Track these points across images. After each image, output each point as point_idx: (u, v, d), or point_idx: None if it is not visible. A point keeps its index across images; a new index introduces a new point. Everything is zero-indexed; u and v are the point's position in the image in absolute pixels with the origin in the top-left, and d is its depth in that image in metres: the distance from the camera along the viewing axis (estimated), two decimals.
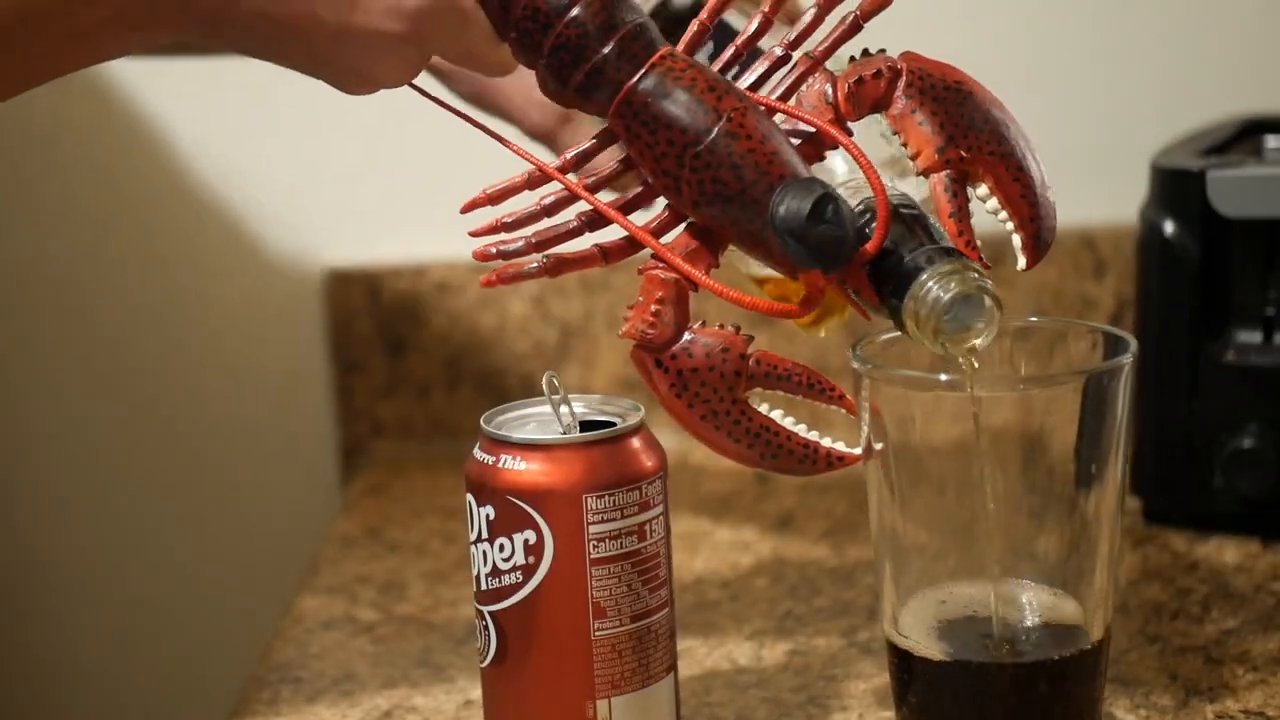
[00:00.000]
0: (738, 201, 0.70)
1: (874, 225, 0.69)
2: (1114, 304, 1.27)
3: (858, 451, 0.74)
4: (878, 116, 0.73)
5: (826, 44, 0.73)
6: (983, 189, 0.72)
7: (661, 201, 0.74)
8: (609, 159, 0.75)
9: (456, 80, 0.95)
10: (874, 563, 0.78)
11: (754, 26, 0.74)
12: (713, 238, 0.72)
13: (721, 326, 0.71)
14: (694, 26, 0.74)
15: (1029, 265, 0.72)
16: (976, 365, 0.72)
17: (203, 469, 1.32)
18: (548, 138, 0.96)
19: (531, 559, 0.74)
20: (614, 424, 0.76)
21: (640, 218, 0.73)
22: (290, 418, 1.31)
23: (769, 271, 0.83)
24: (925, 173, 0.72)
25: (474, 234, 0.72)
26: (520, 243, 0.73)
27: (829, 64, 0.73)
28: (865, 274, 0.70)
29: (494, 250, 0.72)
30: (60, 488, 1.32)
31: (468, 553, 0.77)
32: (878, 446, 0.74)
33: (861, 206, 0.71)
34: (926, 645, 0.75)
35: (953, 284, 0.69)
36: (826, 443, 0.73)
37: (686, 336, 0.71)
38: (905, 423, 0.75)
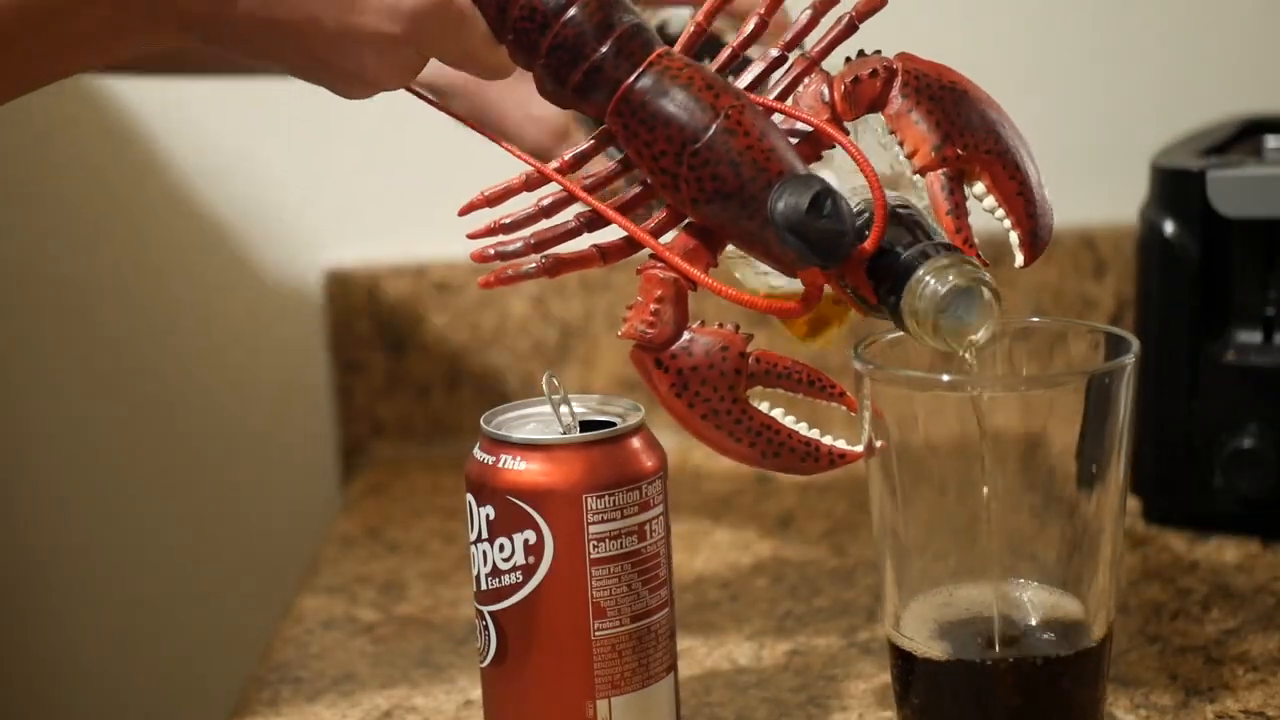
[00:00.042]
0: (736, 198, 0.70)
1: (872, 224, 0.69)
2: (1114, 304, 1.27)
3: (859, 449, 0.74)
4: (875, 128, 0.73)
5: (822, 45, 0.73)
6: (979, 187, 0.72)
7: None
8: (606, 160, 0.75)
9: (453, 99, 0.95)
10: (875, 563, 0.78)
11: (750, 28, 0.74)
12: (711, 237, 0.72)
13: (721, 325, 0.71)
14: (690, 27, 0.74)
15: (1027, 262, 0.72)
16: (974, 361, 0.72)
17: (203, 469, 1.32)
18: (545, 156, 0.96)
19: (531, 559, 0.74)
20: (614, 424, 0.76)
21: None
22: (290, 418, 1.31)
23: (774, 281, 0.83)
24: (922, 171, 0.72)
25: (472, 236, 0.73)
26: (519, 244, 0.73)
27: (823, 65, 0.73)
28: (864, 271, 0.70)
29: (492, 251, 0.72)
30: (60, 488, 1.32)
31: (468, 553, 0.77)
32: (879, 444, 0.74)
33: (860, 207, 0.71)
34: (928, 646, 0.75)
35: (950, 277, 0.69)
36: (828, 441, 0.73)
37: (686, 336, 0.71)
38: (907, 423, 0.75)
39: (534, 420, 0.78)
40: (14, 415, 1.31)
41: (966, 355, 0.71)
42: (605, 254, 0.73)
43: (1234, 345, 1.01)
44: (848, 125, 0.73)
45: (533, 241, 0.73)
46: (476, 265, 0.72)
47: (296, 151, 1.28)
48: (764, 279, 0.84)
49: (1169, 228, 1.01)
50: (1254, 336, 1.00)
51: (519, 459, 0.75)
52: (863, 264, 0.70)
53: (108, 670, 1.34)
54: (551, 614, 0.75)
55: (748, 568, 1.02)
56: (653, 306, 0.70)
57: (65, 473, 1.32)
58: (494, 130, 0.94)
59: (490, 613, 0.76)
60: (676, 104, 0.71)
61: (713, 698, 0.86)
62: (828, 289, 0.72)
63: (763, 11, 0.74)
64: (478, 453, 0.76)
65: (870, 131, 0.74)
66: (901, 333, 0.72)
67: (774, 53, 0.74)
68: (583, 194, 0.73)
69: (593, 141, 0.74)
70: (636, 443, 0.76)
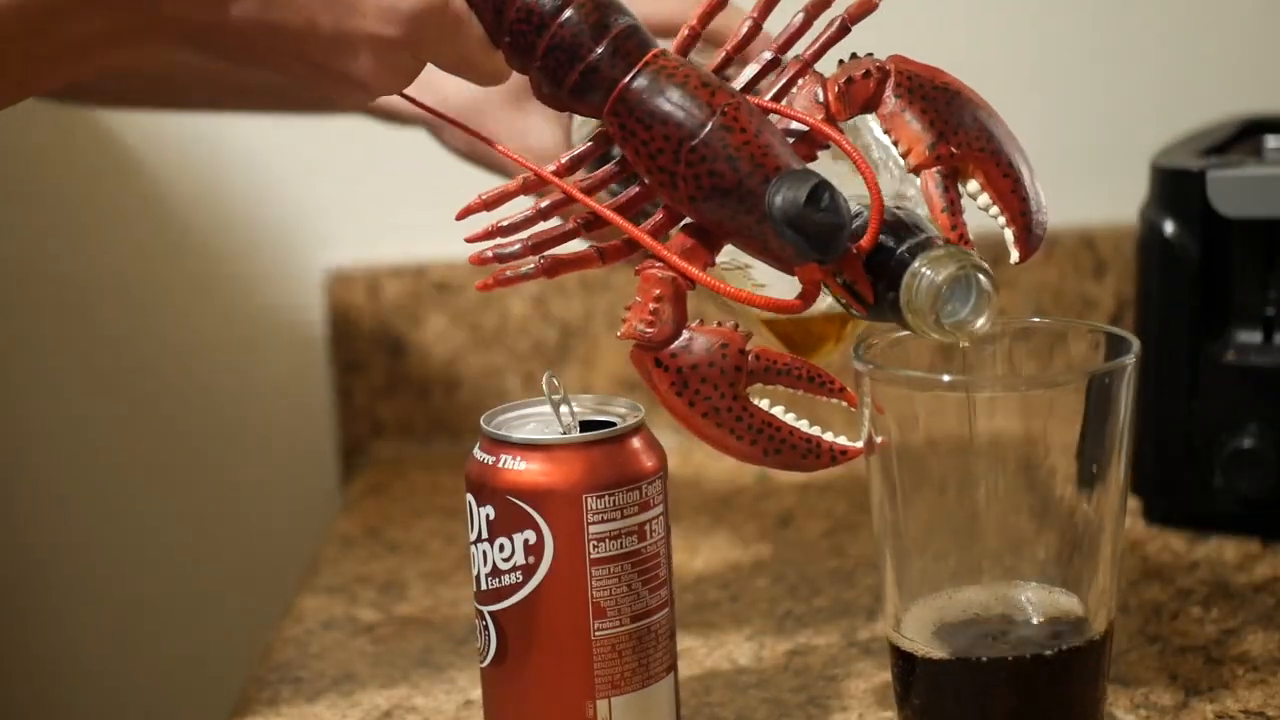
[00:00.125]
0: (734, 194, 0.70)
1: (868, 226, 0.69)
2: (1114, 304, 1.27)
3: (860, 445, 0.74)
4: (868, 142, 0.74)
5: (815, 47, 0.74)
6: (973, 185, 0.72)
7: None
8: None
9: (450, 134, 0.96)
10: (875, 563, 0.78)
11: (744, 30, 0.74)
12: (709, 237, 0.72)
13: (720, 324, 0.71)
14: (684, 31, 0.75)
15: (1022, 258, 0.72)
16: (968, 344, 0.72)
17: (203, 469, 1.32)
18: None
19: (531, 559, 0.74)
20: (614, 424, 0.76)
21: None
22: (290, 418, 1.31)
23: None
24: (916, 170, 0.72)
25: (470, 240, 0.73)
26: (516, 246, 0.73)
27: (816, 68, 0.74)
28: (861, 267, 0.70)
29: (490, 254, 0.73)
30: (60, 488, 1.32)
31: (468, 553, 0.77)
32: (879, 440, 0.74)
33: (857, 208, 0.71)
34: (929, 646, 0.75)
35: (946, 266, 0.69)
36: (829, 437, 0.73)
37: (685, 334, 0.71)
38: (907, 423, 0.75)
39: (534, 420, 0.78)
40: (14, 415, 1.31)
41: (964, 344, 0.71)
42: (604, 255, 0.73)
43: (1234, 345, 1.00)
44: (842, 126, 0.73)
45: (530, 243, 0.73)
46: (477, 265, 0.72)
47: (297, 151, 1.28)
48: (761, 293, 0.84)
49: (1169, 228, 1.01)
50: (1254, 336, 1.00)
51: (519, 459, 0.75)
52: (860, 260, 0.70)
53: (108, 670, 1.34)
54: (551, 614, 0.75)
55: (748, 568, 1.02)
56: (651, 306, 0.71)
57: (65, 472, 1.31)
58: (489, 162, 0.94)
59: (490, 613, 0.76)
60: (673, 102, 0.71)
61: (713, 698, 0.86)
62: (824, 304, 0.73)
63: (756, 16, 0.74)
64: (478, 453, 0.76)
65: (867, 130, 0.74)
66: (901, 333, 0.72)
67: (768, 55, 0.74)
68: (581, 195, 0.73)
69: (589, 144, 0.74)
70: (636, 443, 0.76)
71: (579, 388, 1.25)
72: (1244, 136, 1.09)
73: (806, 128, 0.72)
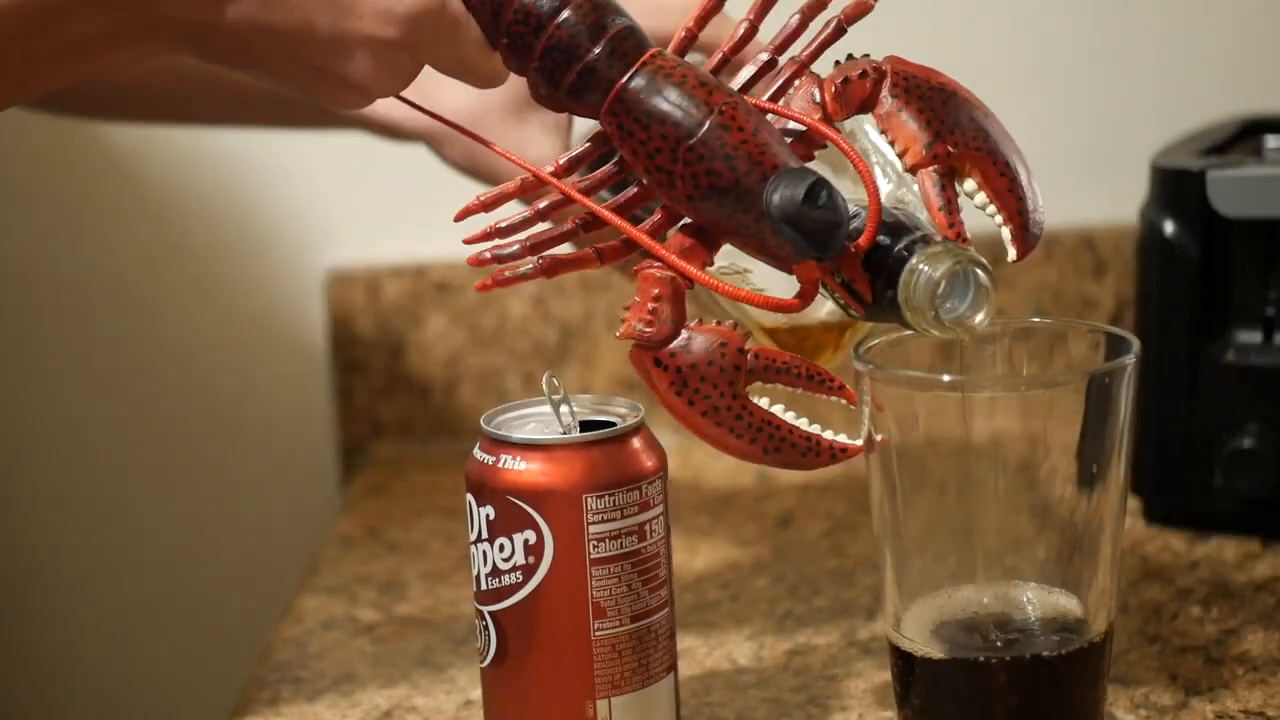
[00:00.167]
0: (732, 193, 0.70)
1: (865, 226, 0.70)
2: (1114, 304, 1.27)
3: (860, 443, 0.74)
4: (865, 147, 0.74)
5: (812, 48, 0.74)
6: (970, 184, 0.73)
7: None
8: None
9: (449, 148, 0.95)
10: (875, 563, 0.78)
11: (740, 32, 0.74)
12: (708, 236, 0.73)
13: (719, 323, 0.71)
14: (681, 32, 0.75)
15: (1019, 256, 0.73)
16: (968, 338, 0.72)
17: (203, 469, 1.32)
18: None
19: (531, 559, 0.74)
20: (614, 424, 0.76)
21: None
22: (290, 418, 1.31)
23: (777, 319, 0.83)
24: (913, 169, 0.72)
25: (469, 241, 0.73)
26: (515, 246, 0.73)
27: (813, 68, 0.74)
28: (859, 264, 0.70)
29: (489, 255, 0.73)
30: (60, 488, 1.32)
31: (468, 553, 0.77)
32: (879, 438, 0.74)
33: (854, 210, 0.71)
34: (928, 646, 0.75)
35: (943, 262, 0.69)
36: (829, 435, 0.73)
37: (684, 334, 0.71)
38: (907, 423, 0.75)
39: (534, 420, 0.78)
40: (14, 415, 1.31)
41: (964, 340, 0.71)
42: (602, 255, 0.73)
43: (1234, 345, 1.00)
44: (839, 129, 0.73)
45: (529, 244, 0.73)
46: (475, 267, 0.73)
47: (297, 152, 1.28)
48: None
49: (1169, 228, 1.01)
50: (1254, 336, 1.00)
51: (519, 459, 0.75)
52: (858, 258, 0.70)
53: (108, 670, 1.34)
54: (551, 614, 0.75)
55: (748, 568, 1.02)
56: (650, 305, 0.71)
57: (65, 473, 1.31)
58: (489, 174, 0.94)
59: (490, 613, 0.76)
60: (670, 102, 0.71)
61: (713, 698, 0.86)
62: (821, 312, 0.73)
63: (752, 18, 0.74)
64: (478, 453, 0.76)
65: (864, 135, 0.74)
66: (901, 332, 0.72)
67: (764, 56, 0.74)
68: (579, 196, 0.73)
69: (587, 145, 0.74)
70: (636, 443, 0.76)
71: (579, 388, 1.25)
72: (1244, 136, 1.09)
73: (804, 128, 0.72)
